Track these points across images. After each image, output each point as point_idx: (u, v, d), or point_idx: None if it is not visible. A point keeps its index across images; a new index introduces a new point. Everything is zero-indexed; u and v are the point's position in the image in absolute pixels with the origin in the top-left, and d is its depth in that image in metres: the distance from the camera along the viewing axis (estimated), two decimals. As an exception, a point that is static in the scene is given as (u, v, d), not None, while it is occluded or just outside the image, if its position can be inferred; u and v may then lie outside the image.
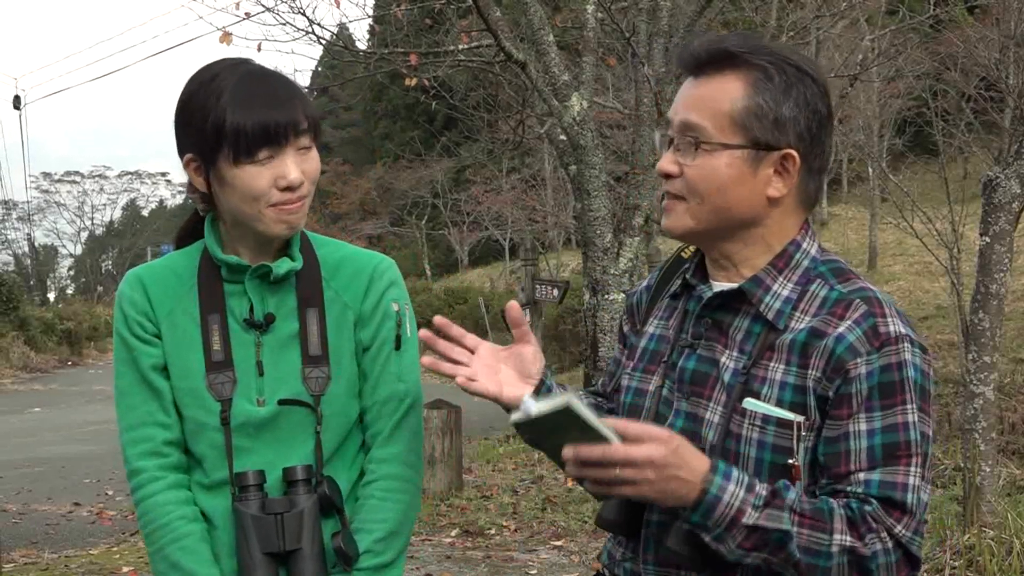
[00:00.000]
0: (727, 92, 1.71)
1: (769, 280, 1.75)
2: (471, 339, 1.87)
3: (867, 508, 1.60)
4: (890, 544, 1.59)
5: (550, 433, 1.61)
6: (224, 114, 1.85)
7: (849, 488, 1.62)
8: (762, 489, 1.59)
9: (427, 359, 1.88)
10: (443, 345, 1.85)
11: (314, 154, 1.94)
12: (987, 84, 16.01)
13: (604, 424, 1.55)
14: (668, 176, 1.76)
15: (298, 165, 1.90)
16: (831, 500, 1.61)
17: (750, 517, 1.56)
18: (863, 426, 1.63)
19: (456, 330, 1.85)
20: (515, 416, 1.59)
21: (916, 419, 1.64)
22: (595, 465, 1.57)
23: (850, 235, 28.20)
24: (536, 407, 1.55)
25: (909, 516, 1.61)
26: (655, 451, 1.54)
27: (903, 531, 1.60)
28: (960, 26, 17.30)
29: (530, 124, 13.50)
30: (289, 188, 1.89)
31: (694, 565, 1.69)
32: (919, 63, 18.97)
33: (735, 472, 1.59)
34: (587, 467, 1.58)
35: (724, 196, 1.72)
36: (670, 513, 1.67)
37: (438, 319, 1.85)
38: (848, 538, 1.58)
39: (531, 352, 1.86)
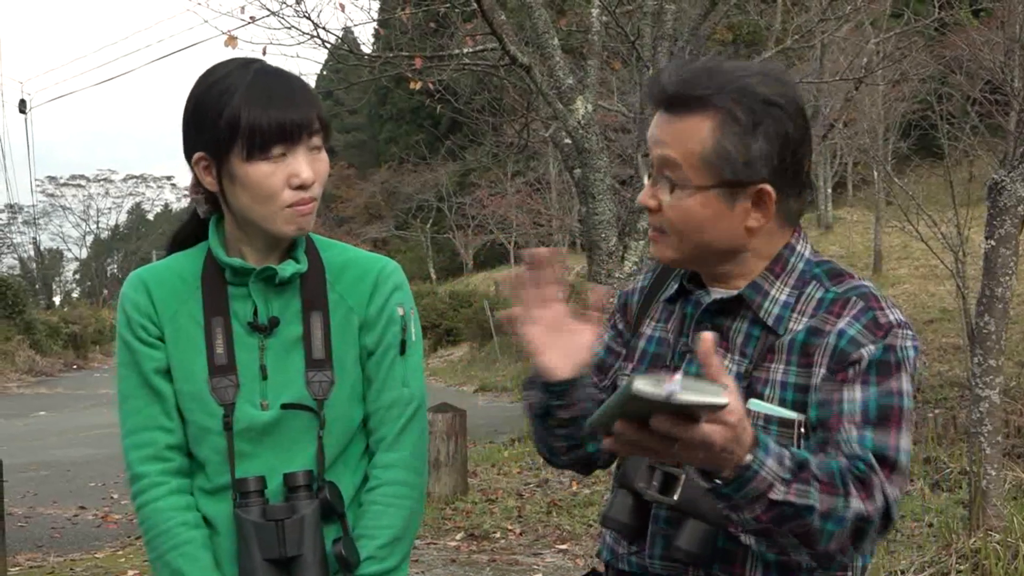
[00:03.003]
0: (696, 133, 1.70)
1: (767, 286, 1.77)
2: (552, 291, 1.76)
3: (867, 460, 1.60)
4: (881, 503, 1.59)
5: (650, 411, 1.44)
6: (239, 110, 1.85)
7: (842, 438, 1.63)
8: (788, 460, 1.53)
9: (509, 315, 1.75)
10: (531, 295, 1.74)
11: (324, 156, 1.94)
12: (992, 87, 15.97)
13: (712, 390, 1.41)
14: (649, 210, 1.77)
15: (310, 165, 1.90)
16: (837, 459, 1.60)
17: (778, 492, 1.51)
18: (858, 393, 1.65)
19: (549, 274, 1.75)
20: (646, 388, 1.38)
21: (908, 388, 1.68)
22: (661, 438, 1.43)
23: (855, 238, 28.15)
24: (685, 394, 1.38)
25: (899, 475, 1.63)
26: (720, 435, 1.43)
27: (891, 489, 1.61)
28: (965, 29, 17.26)
29: (535, 127, 13.48)
30: (302, 187, 1.89)
31: (704, 563, 1.70)
32: (924, 66, 18.97)
33: (771, 445, 1.53)
34: (645, 437, 1.45)
35: (703, 234, 1.73)
36: (678, 511, 1.68)
37: (541, 253, 1.75)
38: (861, 504, 1.56)
39: (590, 341, 1.78)
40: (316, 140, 1.91)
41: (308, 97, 1.91)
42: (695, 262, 1.80)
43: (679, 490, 1.66)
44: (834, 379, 1.66)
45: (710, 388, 1.40)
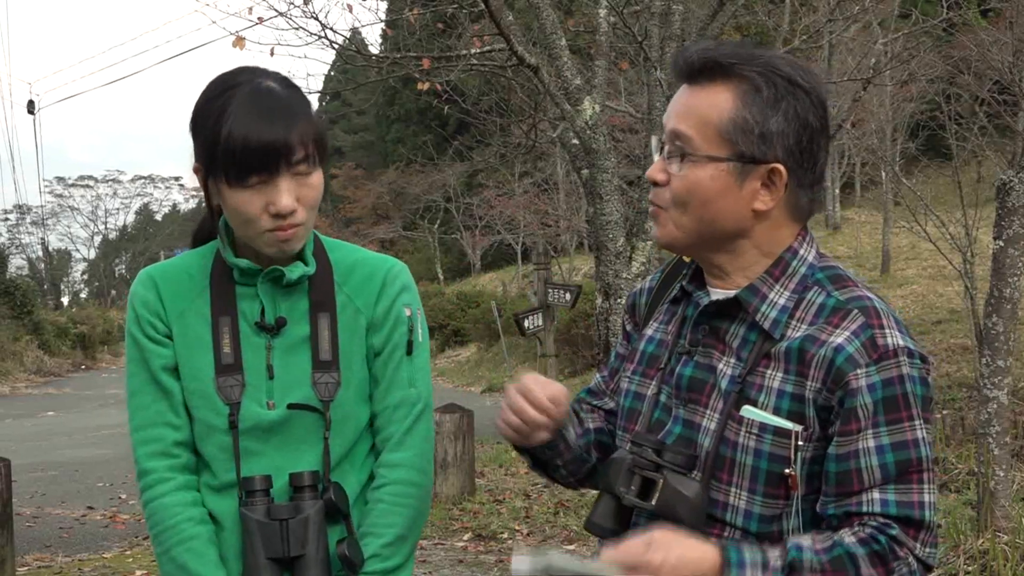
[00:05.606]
0: (715, 103, 1.69)
1: (765, 288, 1.73)
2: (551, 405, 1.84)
3: (891, 532, 1.59)
4: (914, 565, 1.60)
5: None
6: (219, 136, 1.84)
7: (865, 509, 1.61)
8: (777, 561, 1.57)
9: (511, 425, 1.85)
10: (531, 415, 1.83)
11: (314, 180, 1.91)
12: (1000, 87, 15.96)
13: (595, 565, 1.58)
14: (656, 184, 1.76)
15: (292, 192, 1.88)
16: (848, 539, 1.59)
17: None
18: (871, 443, 1.61)
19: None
20: (522, 568, 1.61)
21: (923, 435, 1.63)
22: None
23: (863, 239, 28.09)
24: (523, 567, 1.57)
25: (926, 531, 1.61)
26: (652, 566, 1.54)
27: (922, 548, 1.61)
28: (973, 29, 17.25)
29: (542, 128, 13.47)
30: (279, 215, 1.88)
31: None
32: (932, 67, 18.94)
33: (747, 555, 1.57)
34: None
35: (708, 208, 1.70)
36: (657, 516, 1.69)
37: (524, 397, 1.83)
38: None
39: (560, 393, 1.86)
40: (302, 167, 1.88)
41: (292, 124, 1.86)
42: (695, 245, 1.76)
43: (657, 495, 1.69)
44: (848, 427, 1.62)
45: (595, 565, 1.57)
